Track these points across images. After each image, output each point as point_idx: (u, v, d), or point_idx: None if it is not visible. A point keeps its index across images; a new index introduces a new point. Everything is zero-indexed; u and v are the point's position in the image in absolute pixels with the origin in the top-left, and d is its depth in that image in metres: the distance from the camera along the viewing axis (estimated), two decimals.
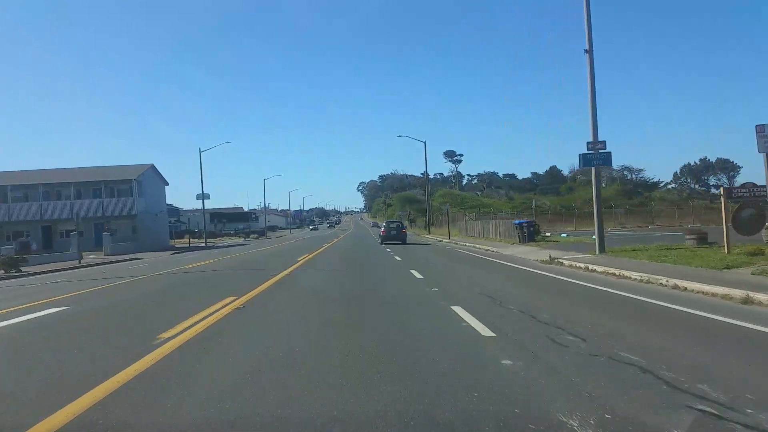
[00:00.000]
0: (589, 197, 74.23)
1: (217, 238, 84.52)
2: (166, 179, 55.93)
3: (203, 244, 55.40)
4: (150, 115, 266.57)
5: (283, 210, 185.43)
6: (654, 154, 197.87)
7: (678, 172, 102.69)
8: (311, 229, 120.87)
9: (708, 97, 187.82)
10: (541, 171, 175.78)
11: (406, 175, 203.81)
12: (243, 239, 76.56)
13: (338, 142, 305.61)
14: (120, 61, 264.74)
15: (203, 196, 55.18)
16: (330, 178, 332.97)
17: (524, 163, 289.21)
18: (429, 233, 56.14)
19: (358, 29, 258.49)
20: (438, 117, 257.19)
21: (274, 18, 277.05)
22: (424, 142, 56.51)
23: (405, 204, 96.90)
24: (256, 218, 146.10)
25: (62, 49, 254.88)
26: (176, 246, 55.08)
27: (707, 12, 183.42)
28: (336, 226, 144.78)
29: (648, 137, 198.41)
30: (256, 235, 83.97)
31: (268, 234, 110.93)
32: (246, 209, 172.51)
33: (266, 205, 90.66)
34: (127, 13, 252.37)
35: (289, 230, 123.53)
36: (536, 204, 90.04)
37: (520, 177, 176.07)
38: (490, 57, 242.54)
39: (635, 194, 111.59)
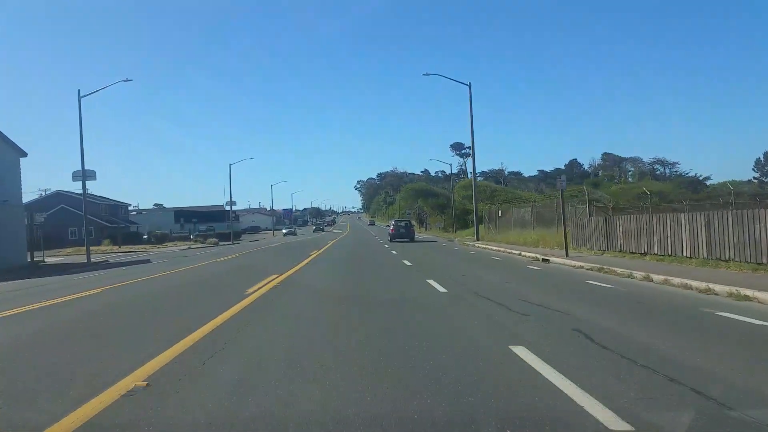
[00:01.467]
0: (656, 190, 47.97)
1: (164, 244, 59.12)
2: (24, 149, 30.40)
3: (85, 259, 30.32)
4: (144, 115, 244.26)
5: (272, 209, 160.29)
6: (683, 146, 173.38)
7: (762, 158, 77.60)
8: (285, 233, 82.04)
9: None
10: (548, 168, 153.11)
11: (406, 173, 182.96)
12: (187, 247, 50.61)
13: (335, 141, 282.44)
14: (117, 64, 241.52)
15: (83, 175, 29.92)
16: (327, 178, 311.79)
17: (527, 160, 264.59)
18: (478, 239, 30.98)
19: (355, 29, 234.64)
20: (438, 115, 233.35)
21: (270, 18, 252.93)
22: (469, 85, 31.68)
23: (416, 198, 71.14)
24: (237, 217, 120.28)
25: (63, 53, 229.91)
26: (38, 262, 30.13)
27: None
28: (326, 228, 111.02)
29: (683, 129, 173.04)
30: (215, 240, 57.92)
31: (243, 237, 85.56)
32: (233, 209, 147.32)
33: (232, 199, 64.39)
34: (120, 15, 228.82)
35: (272, 232, 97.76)
36: (591, 197, 64.86)
37: (526, 174, 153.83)
38: (489, 56, 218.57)
39: (696, 189, 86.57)
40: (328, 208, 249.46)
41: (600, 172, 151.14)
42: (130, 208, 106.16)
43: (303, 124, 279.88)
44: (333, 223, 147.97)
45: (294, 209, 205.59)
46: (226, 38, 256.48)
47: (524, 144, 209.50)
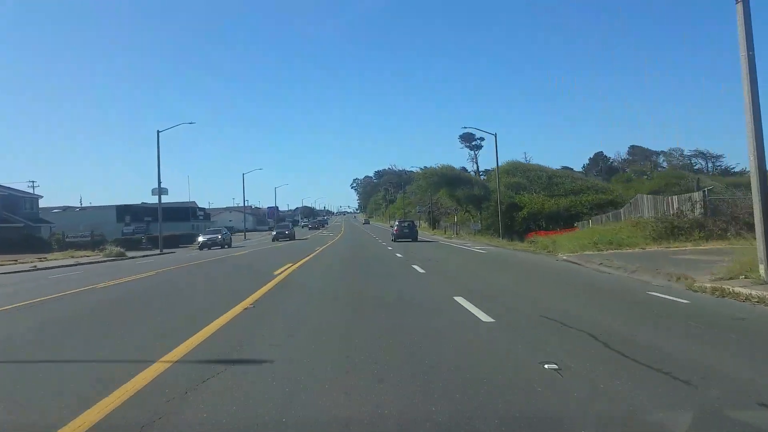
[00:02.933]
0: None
1: (53, 254, 36.32)
2: None
3: None
4: (142, 110, 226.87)
5: (254, 207, 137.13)
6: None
7: None
8: (203, 242, 42.84)
9: None
10: (556, 166, 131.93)
11: (405, 171, 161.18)
12: (32, 267, 26.99)
13: (333, 140, 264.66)
14: (118, 65, 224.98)
15: None
16: (325, 178, 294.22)
17: (535, 157, 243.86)
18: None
19: (354, 28, 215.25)
20: (438, 113, 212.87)
21: (270, 18, 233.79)
22: None
23: (438, 187, 48.62)
24: (207, 216, 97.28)
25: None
26: None
27: None
28: (313, 232, 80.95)
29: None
30: (120, 249, 34.32)
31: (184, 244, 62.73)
32: (226, 207, 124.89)
33: (161, 185, 40.56)
34: (119, 15, 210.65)
35: (243, 234, 74.01)
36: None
37: None
38: (489, 54, 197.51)
39: None
40: (322, 207, 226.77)
41: (628, 168, 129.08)
42: (73, 205, 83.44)
43: (301, 124, 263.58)
44: (324, 224, 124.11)
45: (288, 208, 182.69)
46: (226, 38, 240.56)
47: (527, 140, 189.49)
